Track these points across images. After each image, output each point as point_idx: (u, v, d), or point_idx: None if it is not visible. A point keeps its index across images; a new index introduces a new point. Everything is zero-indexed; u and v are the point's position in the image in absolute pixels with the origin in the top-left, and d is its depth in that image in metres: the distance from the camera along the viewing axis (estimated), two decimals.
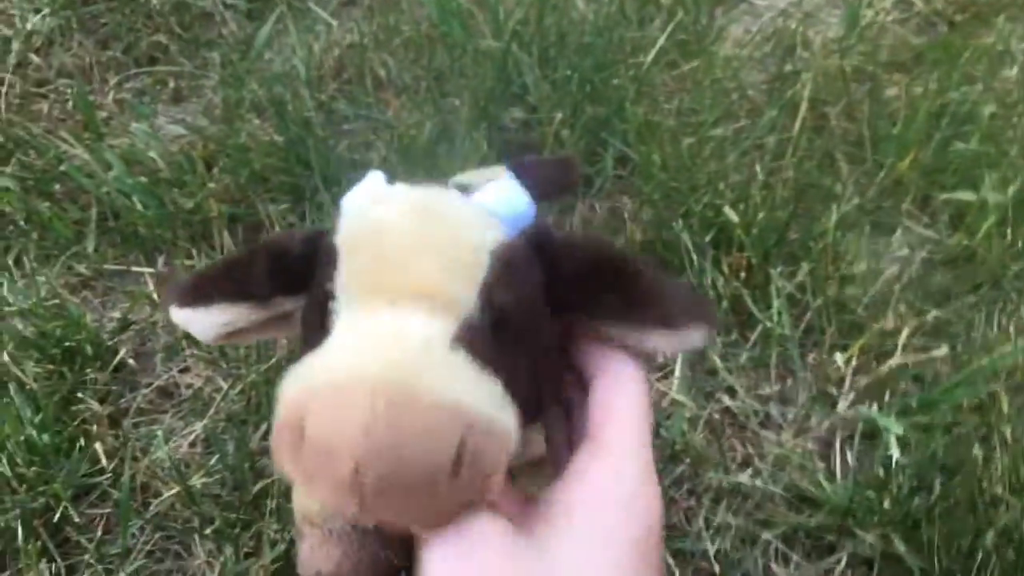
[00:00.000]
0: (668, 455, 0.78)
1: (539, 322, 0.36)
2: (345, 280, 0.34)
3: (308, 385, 0.30)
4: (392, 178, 0.39)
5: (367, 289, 0.33)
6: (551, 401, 0.39)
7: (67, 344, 0.80)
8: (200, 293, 0.38)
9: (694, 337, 0.36)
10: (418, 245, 0.34)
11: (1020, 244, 0.89)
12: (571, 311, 0.37)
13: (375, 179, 0.39)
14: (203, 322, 0.38)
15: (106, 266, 0.90)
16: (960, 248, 0.90)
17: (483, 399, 0.31)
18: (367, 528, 0.56)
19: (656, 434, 0.79)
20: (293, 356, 0.40)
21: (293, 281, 0.37)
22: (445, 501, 0.30)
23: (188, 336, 0.83)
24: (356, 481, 0.28)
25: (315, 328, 0.34)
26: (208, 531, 0.70)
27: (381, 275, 0.33)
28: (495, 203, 0.36)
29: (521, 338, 0.34)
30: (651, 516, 0.33)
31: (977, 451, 0.74)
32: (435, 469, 0.29)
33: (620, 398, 0.35)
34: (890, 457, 0.72)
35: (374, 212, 0.36)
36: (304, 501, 0.56)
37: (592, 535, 0.32)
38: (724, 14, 1.17)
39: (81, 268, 0.89)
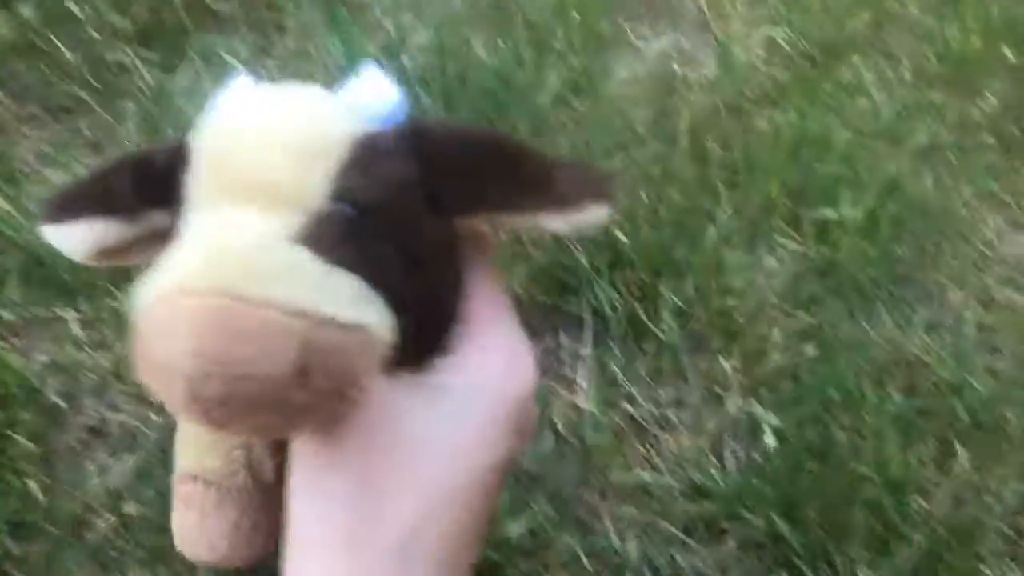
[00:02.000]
0: (577, 459, 0.85)
1: (414, 218, 0.34)
2: (196, 181, 0.32)
3: (149, 296, 0.28)
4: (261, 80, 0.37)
5: (214, 190, 0.31)
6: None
7: None
8: (67, 208, 0.35)
9: (593, 214, 0.34)
10: (264, 140, 0.32)
11: (874, 253, 1.01)
12: (461, 207, 0.35)
13: (243, 80, 0.36)
14: (72, 239, 0.35)
15: (30, 311, 0.92)
16: (824, 260, 1.01)
17: (330, 297, 0.28)
18: (267, 483, 0.46)
19: (563, 440, 0.87)
20: None
21: (161, 193, 0.34)
22: (302, 409, 0.28)
23: (116, 374, 0.87)
24: (194, 400, 0.26)
25: (170, 237, 0.32)
26: (143, 555, 0.73)
27: (227, 174, 0.31)
28: (360, 96, 0.34)
29: (391, 233, 0.32)
30: (522, 384, 0.33)
31: (843, 436, 0.84)
32: (276, 378, 0.26)
33: (475, 290, 0.35)
34: (767, 446, 0.81)
35: (227, 111, 0.34)
36: (200, 454, 0.46)
37: (464, 408, 0.32)
38: (612, 57, 1.27)
39: (5, 313, 0.91)
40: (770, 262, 1.02)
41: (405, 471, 0.30)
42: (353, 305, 0.29)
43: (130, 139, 1.10)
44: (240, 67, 1.16)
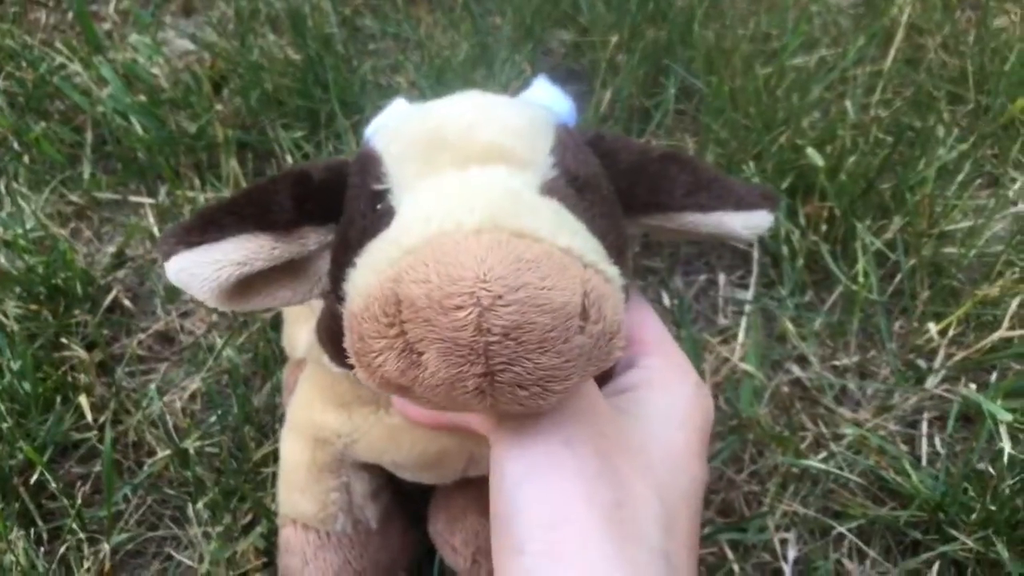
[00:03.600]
0: (728, 429, 0.68)
1: (612, 201, 0.36)
2: (397, 166, 0.33)
3: (396, 251, 0.27)
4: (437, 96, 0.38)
5: (428, 165, 0.32)
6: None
7: (54, 282, 0.71)
8: (212, 225, 0.33)
9: (762, 218, 0.37)
10: (479, 117, 0.33)
11: None
12: (637, 209, 0.37)
13: (399, 103, 0.39)
14: (211, 263, 0.33)
15: (101, 195, 0.80)
16: None
17: (590, 247, 0.28)
18: (370, 529, 0.51)
19: (715, 406, 0.69)
20: (325, 295, 0.38)
21: (319, 209, 0.35)
22: (574, 363, 0.27)
23: None
24: (479, 336, 0.25)
25: (364, 232, 0.32)
26: (202, 502, 0.61)
27: (441, 147, 0.32)
28: (543, 99, 0.37)
29: (600, 208, 0.34)
30: (709, 409, 0.37)
31: None
32: (567, 313, 0.26)
33: (640, 312, 0.39)
34: (1000, 449, 0.61)
35: (423, 112, 0.35)
36: (296, 498, 0.50)
37: (668, 419, 0.34)
38: None
39: (74, 196, 0.80)
40: (1004, 205, 0.79)
41: (638, 466, 0.32)
42: (605, 259, 0.29)
43: (229, 2, 0.95)
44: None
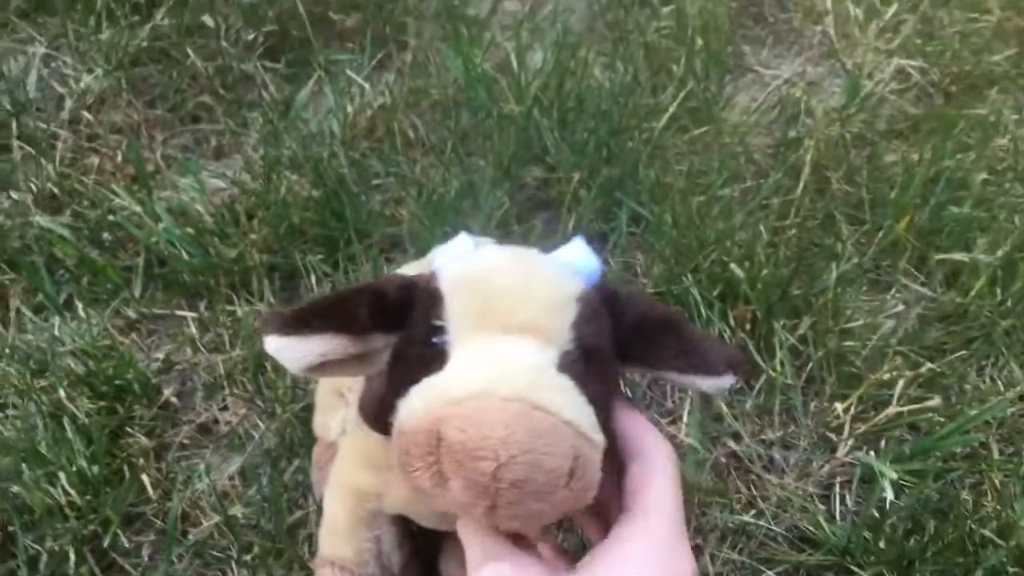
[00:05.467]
0: None
1: (612, 362, 0.43)
2: (457, 315, 0.40)
3: (444, 398, 0.36)
4: (474, 236, 0.47)
5: (480, 323, 0.39)
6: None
7: (117, 382, 0.86)
8: (303, 323, 0.42)
9: (727, 381, 0.44)
10: (523, 288, 0.40)
11: (1009, 302, 0.94)
12: (631, 359, 0.44)
13: (463, 239, 0.46)
14: (299, 350, 0.42)
15: (152, 310, 0.96)
16: (953, 305, 0.96)
17: (587, 420, 0.36)
18: (394, 573, 0.61)
19: None
20: (371, 390, 0.46)
21: (389, 320, 0.43)
22: (555, 507, 0.36)
23: (229, 376, 0.90)
24: (492, 483, 0.34)
25: (421, 358, 0.40)
26: (246, 558, 0.75)
27: (493, 311, 0.39)
28: (574, 259, 0.44)
29: (602, 374, 0.40)
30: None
31: (967, 496, 0.79)
32: (559, 474, 0.34)
33: (655, 473, 0.40)
34: (884, 499, 0.77)
35: (480, 260, 0.43)
36: (336, 544, 0.60)
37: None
38: (732, 83, 1.24)
39: (128, 311, 0.95)
40: (894, 305, 0.97)
41: None
42: (595, 430, 0.37)
43: (254, 147, 1.13)
44: (361, 83, 1.19)
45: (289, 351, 0.42)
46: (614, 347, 0.43)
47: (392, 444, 0.39)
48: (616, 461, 0.43)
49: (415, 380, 0.39)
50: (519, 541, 0.39)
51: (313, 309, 0.43)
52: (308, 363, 0.42)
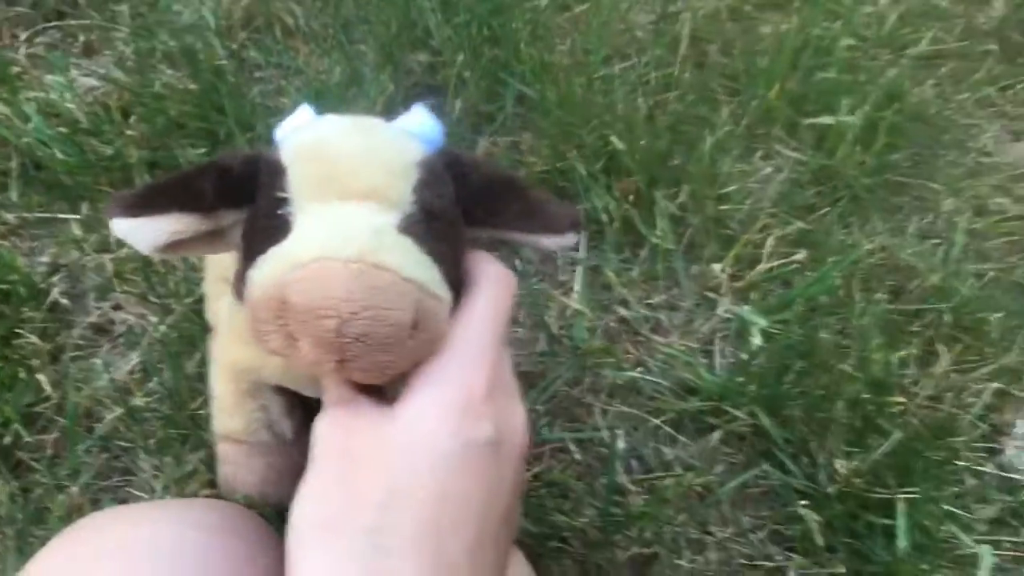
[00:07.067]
0: (570, 359, 0.88)
1: (457, 224, 0.45)
2: (298, 184, 0.41)
3: (288, 263, 0.37)
4: (319, 111, 0.46)
5: (321, 191, 0.40)
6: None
7: (2, 286, 0.84)
8: (148, 203, 0.42)
9: (569, 239, 0.47)
10: (363, 155, 0.41)
11: (870, 161, 1.01)
12: (475, 222, 0.46)
13: (305, 110, 0.46)
14: (147, 231, 0.42)
15: (33, 214, 0.94)
16: (820, 167, 1.02)
17: (429, 276, 0.39)
18: (287, 439, 0.63)
19: (557, 341, 0.89)
20: (239, 261, 0.46)
21: (235, 195, 0.43)
22: (402, 358, 0.38)
23: (118, 275, 0.89)
24: (338, 339, 0.36)
25: (267, 230, 0.40)
26: (151, 442, 0.76)
27: (333, 180, 0.40)
28: (415, 127, 0.45)
29: (446, 235, 0.42)
30: (477, 436, 0.37)
31: (829, 336, 0.86)
32: (401, 327, 0.36)
33: (472, 296, 0.42)
34: (754, 346, 0.83)
35: (318, 131, 0.43)
36: (226, 419, 0.62)
37: (421, 431, 0.37)
38: None
39: (8, 216, 0.93)
40: (766, 169, 1.02)
41: (375, 464, 0.36)
42: (439, 285, 0.39)
43: (124, 42, 1.09)
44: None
45: (138, 232, 0.42)
46: (458, 210, 0.45)
47: (245, 313, 0.41)
48: None
49: (263, 251, 0.40)
50: (375, 392, 0.41)
51: (157, 188, 0.43)
52: (158, 243, 0.42)
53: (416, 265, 0.38)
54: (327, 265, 0.36)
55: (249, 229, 0.44)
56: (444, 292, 0.40)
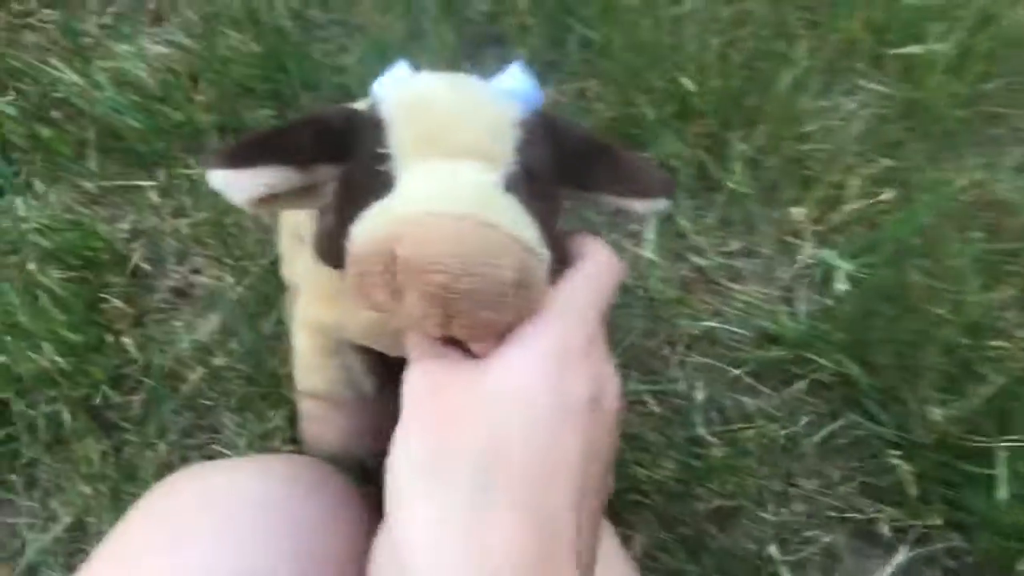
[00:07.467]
0: (644, 310, 0.86)
1: (554, 185, 0.44)
2: (401, 140, 0.40)
3: (396, 218, 0.37)
4: (416, 68, 0.46)
5: (424, 148, 0.40)
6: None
7: (86, 253, 0.87)
8: (247, 156, 0.41)
9: (661, 204, 0.46)
10: (467, 113, 0.41)
11: (963, 91, 0.95)
12: (569, 183, 0.46)
13: (402, 67, 0.45)
14: (243, 183, 0.42)
15: (111, 182, 0.96)
16: (909, 100, 0.96)
17: (531, 235, 0.38)
18: (368, 397, 0.63)
19: (631, 292, 0.87)
20: (322, 226, 0.46)
21: (333, 150, 0.43)
22: (503, 315, 0.38)
23: (195, 239, 0.91)
24: (446, 294, 0.36)
25: (369, 185, 0.40)
26: (233, 400, 0.78)
27: (437, 136, 0.40)
28: (513, 86, 0.44)
29: (544, 194, 0.42)
30: (576, 392, 0.36)
31: (921, 279, 0.81)
32: (507, 284, 0.36)
33: (574, 274, 0.41)
34: (840, 291, 0.79)
35: (419, 87, 0.43)
36: (308, 377, 0.62)
37: (516, 384, 0.36)
38: None
39: (88, 185, 0.95)
40: (849, 105, 0.97)
41: (471, 414, 0.36)
42: (540, 244, 0.39)
43: (193, 8, 1.10)
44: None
45: (235, 184, 0.42)
46: (554, 172, 0.44)
47: (346, 269, 0.40)
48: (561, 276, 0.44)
49: (364, 207, 0.39)
50: (462, 349, 0.41)
51: (257, 140, 0.42)
52: (254, 195, 0.42)
53: (520, 223, 0.38)
54: (438, 220, 0.36)
55: (347, 184, 0.43)
56: (544, 251, 0.39)
